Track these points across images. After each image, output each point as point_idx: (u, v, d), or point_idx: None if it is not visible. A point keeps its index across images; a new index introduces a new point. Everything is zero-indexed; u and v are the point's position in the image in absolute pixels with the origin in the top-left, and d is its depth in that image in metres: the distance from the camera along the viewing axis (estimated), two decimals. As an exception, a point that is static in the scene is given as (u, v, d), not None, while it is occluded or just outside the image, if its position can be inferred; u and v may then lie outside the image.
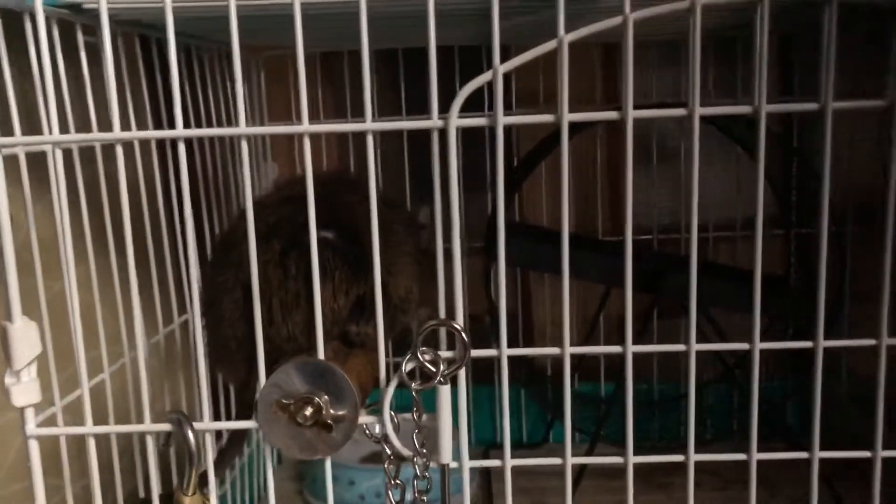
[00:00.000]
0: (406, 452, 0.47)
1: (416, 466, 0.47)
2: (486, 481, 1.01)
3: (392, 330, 0.52)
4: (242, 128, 0.44)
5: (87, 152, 0.58)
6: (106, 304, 0.57)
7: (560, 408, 1.10)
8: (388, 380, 0.47)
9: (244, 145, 0.44)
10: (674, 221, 1.11)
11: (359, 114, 1.00)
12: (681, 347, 0.47)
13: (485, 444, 1.11)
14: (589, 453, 0.93)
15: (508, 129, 1.11)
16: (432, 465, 0.48)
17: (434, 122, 0.44)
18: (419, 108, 0.43)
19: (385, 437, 0.47)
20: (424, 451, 0.47)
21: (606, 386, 1.10)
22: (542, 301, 1.15)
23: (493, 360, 1.12)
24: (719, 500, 0.94)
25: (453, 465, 0.48)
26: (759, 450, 1.07)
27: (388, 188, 0.97)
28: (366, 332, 0.52)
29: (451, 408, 0.46)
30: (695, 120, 0.44)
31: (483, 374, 1.14)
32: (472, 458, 1.11)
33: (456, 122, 0.44)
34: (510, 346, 1.06)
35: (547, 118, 0.44)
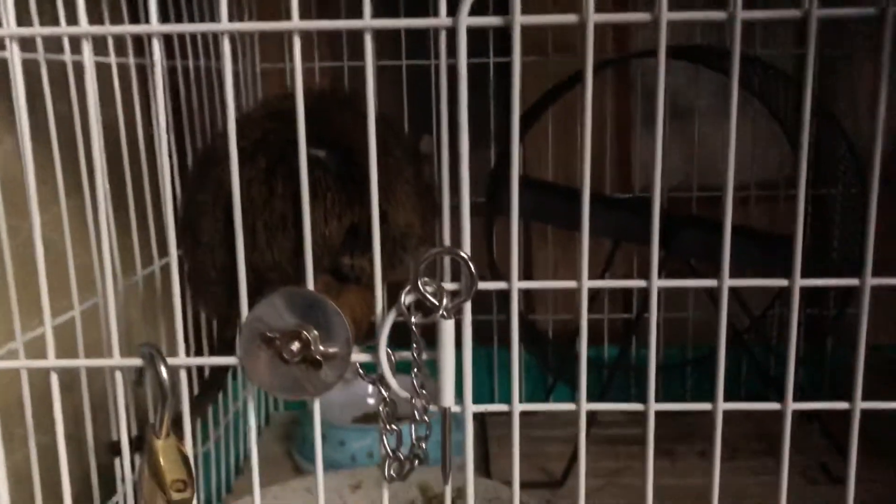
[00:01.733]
0: (403, 394, 0.42)
1: (415, 409, 0.42)
2: (483, 445, 0.97)
3: (391, 267, 0.47)
4: (224, 24, 0.39)
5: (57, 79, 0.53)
6: (79, 240, 0.53)
7: (562, 370, 1.06)
8: (385, 313, 0.42)
9: (226, 43, 0.39)
10: (685, 181, 1.07)
11: (356, 55, 0.95)
12: (711, 283, 0.42)
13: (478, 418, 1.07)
14: (592, 417, 0.89)
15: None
16: (432, 408, 0.43)
17: (442, 20, 0.39)
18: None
19: (380, 377, 0.42)
20: (424, 392, 0.42)
21: (610, 349, 1.06)
22: (545, 265, 1.10)
23: (491, 321, 1.07)
24: (727, 469, 0.90)
25: (455, 408, 0.44)
26: (767, 418, 1.04)
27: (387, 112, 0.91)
28: (361, 265, 0.47)
29: (454, 346, 0.41)
30: (737, 24, 0.39)
31: (481, 335, 1.09)
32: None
33: (466, 20, 0.39)
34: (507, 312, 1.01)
35: (570, 19, 0.39)
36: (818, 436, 0.91)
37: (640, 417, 1.06)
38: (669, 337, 1.06)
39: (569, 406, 0.45)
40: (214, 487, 0.82)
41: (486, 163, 1.02)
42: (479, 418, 1.04)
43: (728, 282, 0.42)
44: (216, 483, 0.82)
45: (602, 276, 1.02)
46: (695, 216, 1.00)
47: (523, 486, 0.84)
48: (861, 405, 0.42)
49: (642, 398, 1.02)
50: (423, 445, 0.44)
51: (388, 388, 0.43)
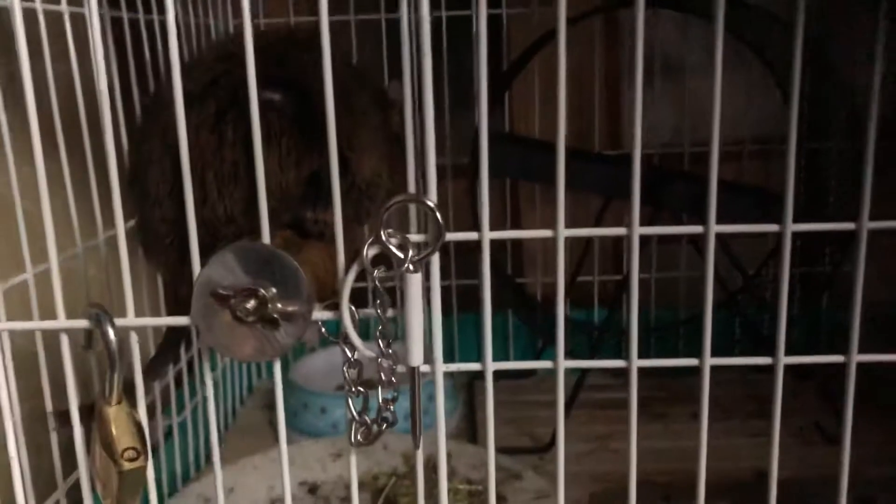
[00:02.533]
0: (368, 354, 0.40)
1: (381, 370, 0.40)
2: (471, 411, 0.95)
3: (357, 221, 0.44)
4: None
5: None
6: (27, 196, 0.49)
7: (551, 333, 1.03)
8: (347, 267, 0.39)
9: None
10: (675, 139, 1.03)
11: (338, 10, 0.91)
12: (697, 229, 0.39)
13: (469, 373, 1.04)
14: (580, 381, 0.87)
15: (498, 30, 1.02)
16: (400, 368, 0.40)
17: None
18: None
19: (344, 337, 0.39)
20: (391, 351, 0.39)
21: (600, 312, 1.03)
22: (533, 226, 1.07)
23: (476, 287, 1.04)
24: (719, 430, 0.88)
25: (424, 368, 0.41)
26: (760, 379, 1.01)
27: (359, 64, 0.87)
28: (324, 219, 0.44)
29: (421, 301, 0.38)
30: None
31: (468, 301, 1.07)
32: (457, 388, 1.04)
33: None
34: (499, 274, 0.98)
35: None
36: (813, 395, 0.88)
37: (623, 383, 1.03)
38: (661, 297, 1.03)
39: (547, 364, 0.42)
40: (192, 458, 0.80)
41: (470, 122, 0.98)
42: (468, 384, 1.02)
43: (715, 228, 0.39)
44: (194, 453, 0.80)
45: (590, 236, 0.99)
46: (686, 172, 0.97)
47: (510, 451, 0.82)
48: (857, 358, 0.39)
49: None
50: (391, 408, 0.41)
51: (352, 348, 0.40)
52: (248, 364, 1.02)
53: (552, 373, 1.08)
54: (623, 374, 1.00)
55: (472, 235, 0.40)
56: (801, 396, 0.90)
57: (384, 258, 0.39)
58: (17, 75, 0.39)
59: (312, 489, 0.76)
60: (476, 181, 0.94)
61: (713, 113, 0.38)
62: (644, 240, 1.01)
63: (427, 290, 0.39)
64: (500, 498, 0.72)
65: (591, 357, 0.94)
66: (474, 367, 0.42)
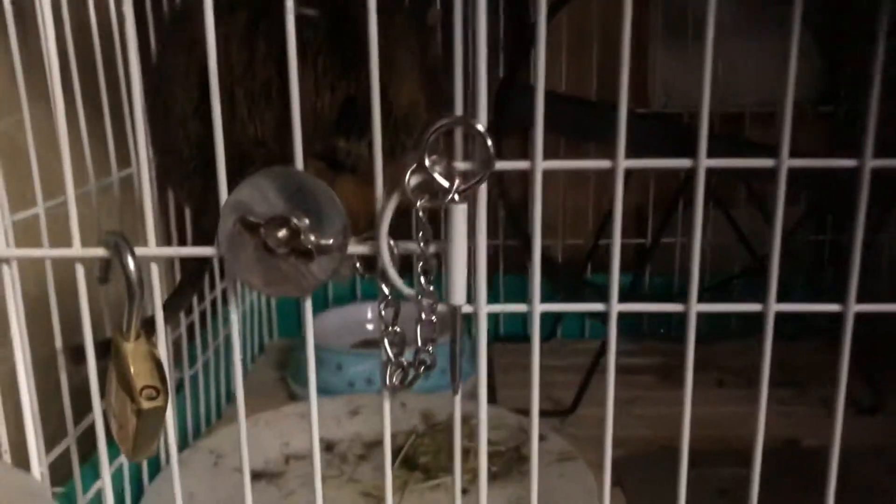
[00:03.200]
0: (407, 291, 0.37)
1: (421, 307, 0.37)
2: (489, 374, 0.92)
3: (392, 154, 0.41)
4: None
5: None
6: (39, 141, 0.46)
7: (574, 297, 1.01)
8: (387, 198, 0.36)
9: None
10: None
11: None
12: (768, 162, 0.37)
13: (488, 336, 1.02)
14: (603, 346, 0.84)
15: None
16: (440, 307, 0.37)
17: None
18: None
19: (381, 272, 0.37)
20: (431, 288, 0.37)
21: (624, 277, 1.00)
22: (555, 189, 1.04)
23: (497, 246, 1.01)
24: (744, 399, 0.86)
25: (467, 308, 0.38)
26: (788, 348, 0.98)
27: None
28: (357, 151, 0.41)
29: (465, 235, 0.36)
30: None
31: (488, 262, 1.03)
32: (469, 359, 1.01)
33: None
34: (521, 236, 0.95)
35: None
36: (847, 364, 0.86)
37: (654, 347, 1.00)
38: (686, 263, 1.00)
39: (598, 307, 0.40)
40: (203, 413, 0.78)
41: (494, 76, 0.95)
42: (488, 346, 0.99)
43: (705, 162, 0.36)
44: (205, 408, 0.78)
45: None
46: (717, 133, 0.93)
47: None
48: (855, 308, 0.37)
49: (658, 327, 0.96)
50: (430, 349, 0.38)
51: (389, 284, 0.37)
52: (259, 323, 0.99)
53: (572, 336, 1.05)
54: (645, 338, 0.97)
55: (524, 164, 0.37)
56: (834, 367, 0.87)
57: (426, 188, 0.36)
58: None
59: (328, 447, 0.73)
60: (500, 137, 0.91)
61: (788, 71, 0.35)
62: (670, 203, 0.98)
63: (472, 224, 0.36)
64: (523, 458, 0.70)
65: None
66: (520, 308, 0.40)
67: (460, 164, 0.35)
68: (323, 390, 0.85)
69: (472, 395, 0.93)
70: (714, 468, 0.73)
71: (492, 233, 1.00)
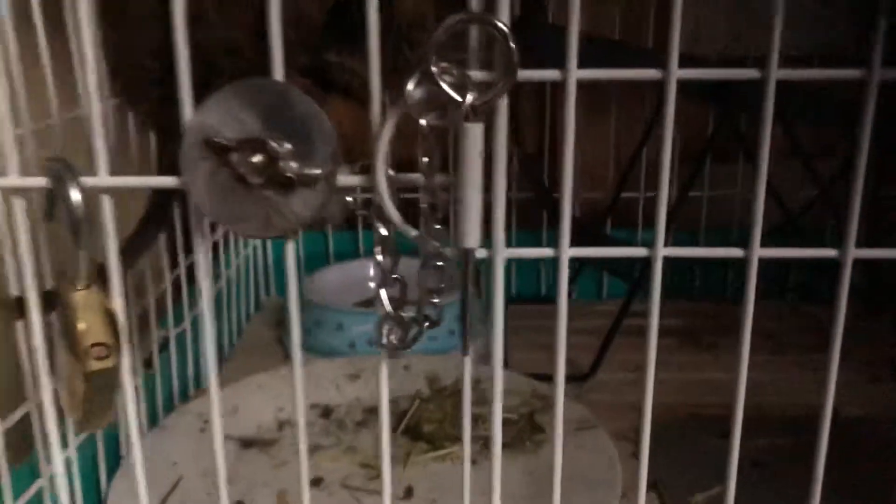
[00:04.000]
0: (410, 231, 0.30)
1: (425, 250, 0.30)
2: (503, 337, 0.86)
3: (393, 70, 0.34)
4: None
5: None
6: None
7: (595, 258, 0.95)
8: (385, 117, 0.29)
9: None
10: (733, 44, 0.93)
11: None
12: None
13: (508, 300, 0.96)
14: (627, 305, 0.77)
15: None
16: (448, 251, 0.31)
17: None
18: None
19: (377, 208, 0.30)
20: (438, 227, 0.30)
21: (645, 233, 0.94)
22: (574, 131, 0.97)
23: (510, 200, 0.94)
24: (774, 364, 0.80)
25: (481, 252, 0.32)
26: (817, 311, 0.92)
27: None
28: (351, 66, 0.34)
29: (481, 163, 0.29)
30: None
31: (519, 218, 0.98)
32: (481, 318, 0.94)
33: None
34: (537, 188, 0.88)
35: None
36: (888, 330, 0.79)
37: (675, 308, 0.94)
38: (713, 218, 0.94)
39: (641, 251, 0.33)
40: (192, 374, 0.72)
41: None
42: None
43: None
44: (194, 369, 0.72)
45: (640, 150, 0.89)
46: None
47: (547, 378, 0.74)
48: (854, 253, 0.31)
49: (678, 288, 0.89)
50: (436, 301, 0.32)
51: (387, 222, 0.30)
52: (255, 278, 0.93)
53: (590, 298, 0.98)
54: (668, 300, 0.90)
55: (555, 74, 0.30)
56: (872, 330, 0.81)
57: (433, 103, 0.29)
58: None
59: (326, 412, 0.68)
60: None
61: None
62: (696, 154, 0.90)
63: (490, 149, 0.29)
64: (537, 428, 0.64)
65: (635, 285, 0.85)
66: (546, 252, 0.33)
67: (476, 73, 0.29)
68: (322, 352, 0.79)
69: (482, 358, 0.87)
70: (746, 438, 0.67)
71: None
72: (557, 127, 0.99)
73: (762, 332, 0.87)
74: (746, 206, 0.92)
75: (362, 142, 0.31)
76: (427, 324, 0.32)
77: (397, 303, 0.32)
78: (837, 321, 0.32)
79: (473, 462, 0.62)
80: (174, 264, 0.68)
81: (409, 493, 0.58)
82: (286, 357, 0.80)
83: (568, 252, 0.32)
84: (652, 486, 0.60)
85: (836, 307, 0.31)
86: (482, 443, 0.63)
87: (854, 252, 0.31)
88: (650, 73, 0.31)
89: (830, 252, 0.32)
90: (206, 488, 0.57)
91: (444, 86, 0.28)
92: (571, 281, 0.96)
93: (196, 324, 0.73)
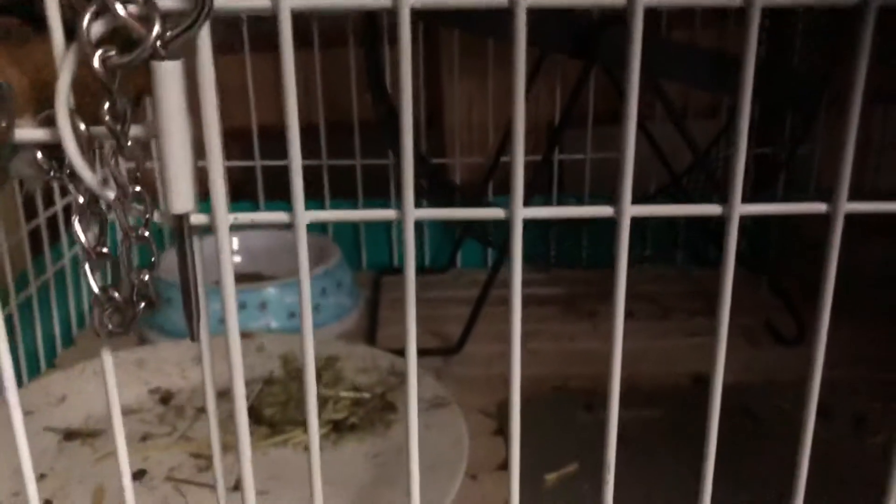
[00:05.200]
0: (106, 194, 0.25)
1: (120, 219, 0.26)
2: (374, 308, 0.82)
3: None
4: None
5: None
6: None
7: (470, 224, 0.90)
8: (63, 58, 0.24)
9: None
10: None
11: None
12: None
13: (378, 268, 0.91)
14: (492, 278, 0.73)
15: None
16: (157, 218, 0.26)
17: None
18: None
19: (67, 168, 0.25)
20: (139, 189, 0.25)
21: (536, 199, 0.90)
22: (454, 103, 0.93)
23: (388, 166, 0.90)
24: (658, 331, 0.77)
25: (199, 218, 0.27)
26: (704, 274, 0.90)
27: None
28: None
29: (182, 106, 0.24)
30: None
31: (377, 186, 0.93)
32: (359, 285, 0.90)
33: None
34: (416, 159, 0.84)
35: None
36: (766, 293, 0.77)
37: (558, 277, 0.91)
38: (596, 184, 0.91)
39: (607, 210, 0.29)
40: (25, 361, 0.66)
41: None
42: (375, 280, 0.88)
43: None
44: (27, 355, 0.66)
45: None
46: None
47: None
48: (741, 209, 0.27)
49: (565, 256, 0.86)
50: (146, 278, 0.27)
51: (79, 183, 0.25)
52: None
53: (471, 267, 0.94)
54: (546, 269, 0.86)
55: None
56: (751, 293, 0.79)
57: (121, 41, 0.24)
58: None
59: (165, 398, 0.63)
60: (377, 46, 0.78)
61: None
62: (577, 121, 0.86)
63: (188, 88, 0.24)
64: (389, 407, 0.60)
65: (502, 252, 0.82)
66: (496, 214, 0.28)
67: (164, 2, 0.24)
68: (172, 333, 0.74)
69: (349, 332, 0.82)
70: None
71: (380, 152, 0.89)
72: (441, 95, 0.94)
73: (646, 297, 0.84)
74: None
75: (42, 87, 0.26)
76: (143, 304, 0.27)
77: (113, 279, 0.27)
78: (725, 281, 0.28)
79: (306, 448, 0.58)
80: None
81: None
82: (139, 341, 0.74)
83: (520, 213, 0.28)
84: (504, 465, 0.57)
85: (724, 266, 0.27)
86: (331, 426, 0.59)
87: (740, 208, 0.27)
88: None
89: (716, 209, 0.28)
90: (15, 487, 0.52)
91: (122, 13, 0.23)
92: (455, 249, 0.92)
93: (45, 303, 0.67)
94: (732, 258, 0.28)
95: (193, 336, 0.29)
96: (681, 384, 0.67)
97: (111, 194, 0.25)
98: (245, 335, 0.69)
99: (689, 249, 0.92)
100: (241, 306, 0.71)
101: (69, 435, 0.58)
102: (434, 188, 0.88)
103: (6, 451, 0.55)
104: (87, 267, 0.27)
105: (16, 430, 0.31)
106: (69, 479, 0.54)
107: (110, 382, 0.30)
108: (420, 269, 0.92)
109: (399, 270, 0.91)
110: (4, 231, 0.63)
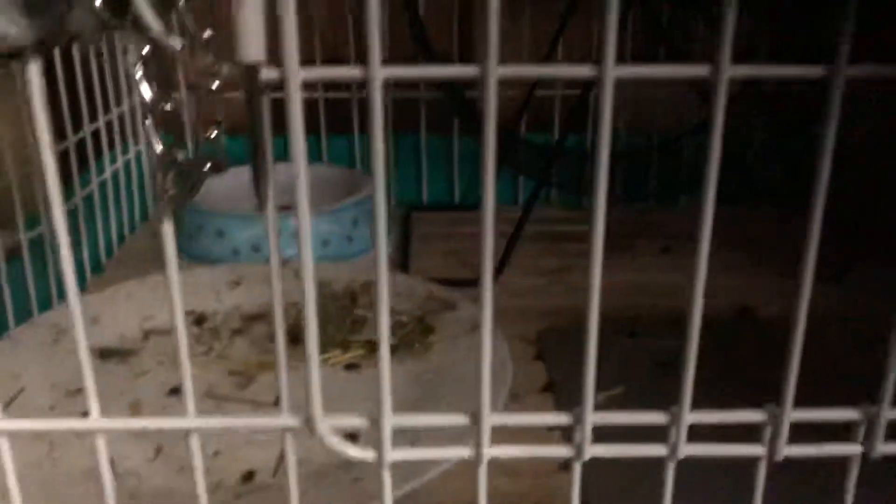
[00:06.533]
0: (176, 42, 0.24)
1: (188, 70, 0.24)
2: (405, 242, 0.80)
3: None
4: None
5: None
6: None
7: (506, 159, 0.89)
8: None
9: None
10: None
11: None
12: None
13: (407, 204, 0.90)
14: (527, 213, 0.72)
15: None
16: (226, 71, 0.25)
17: None
18: None
19: (130, 16, 0.24)
20: (210, 34, 0.24)
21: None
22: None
23: (418, 100, 0.88)
24: (688, 267, 0.75)
25: (269, 73, 0.25)
26: (746, 214, 0.88)
27: None
28: None
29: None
30: None
31: (407, 119, 0.91)
32: (392, 219, 0.89)
33: None
34: (443, 85, 0.82)
35: None
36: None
37: (583, 216, 0.89)
38: (635, 121, 0.89)
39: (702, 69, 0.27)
40: (55, 284, 0.65)
41: None
42: (405, 216, 0.87)
43: None
44: (55, 278, 0.65)
45: (553, 46, 0.83)
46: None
47: (447, 282, 0.69)
48: (729, 71, 0.25)
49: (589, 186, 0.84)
50: (213, 135, 0.26)
51: (140, 28, 0.24)
52: (142, 189, 0.86)
53: (503, 202, 0.91)
54: (580, 207, 0.84)
55: None
56: (793, 229, 0.77)
57: None
58: None
59: (199, 320, 0.62)
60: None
61: None
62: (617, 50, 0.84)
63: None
64: (428, 330, 0.59)
65: (546, 182, 0.80)
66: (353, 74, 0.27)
67: None
68: (203, 258, 0.73)
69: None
70: (655, 339, 0.64)
71: (410, 85, 0.87)
72: (465, 24, 0.92)
73: (680, 235, 0.83)
74: (668, 107, 0.88)
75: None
76: (208, 167, 0.26)
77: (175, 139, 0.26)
78: (712, 159, 0.26)
79: (357, 367, 0.58)
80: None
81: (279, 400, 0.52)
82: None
83: (381, 73, 0.26)
84: (547, 387, 0.56)
85: (713, 127, 0.25)
86: (369, 347, 0.58)
87: (730, 69, 0.25)
88: None
89: (703, 70, 0.26)
90: (51, 401, 0.52)
91: None
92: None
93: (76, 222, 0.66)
94: (720, 123, 0.26)
95: (262, 204, 0.27)
96: (724, 316, 0.66)
97: (178, 41, 0.24)
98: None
99: (726, 187, 0.90)
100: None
101: (104, 354, 0.57)
102: (466, 121, 0.86)
103: (44, 367, 0.55)
104: (149, 124, 0.25)
105: (78, 339, 0.30)
106: (105, 394, 0.52)
107: (170, 251, 0.28)
108: (450, 206, 0.91)
109: (429, 208, 0.90)
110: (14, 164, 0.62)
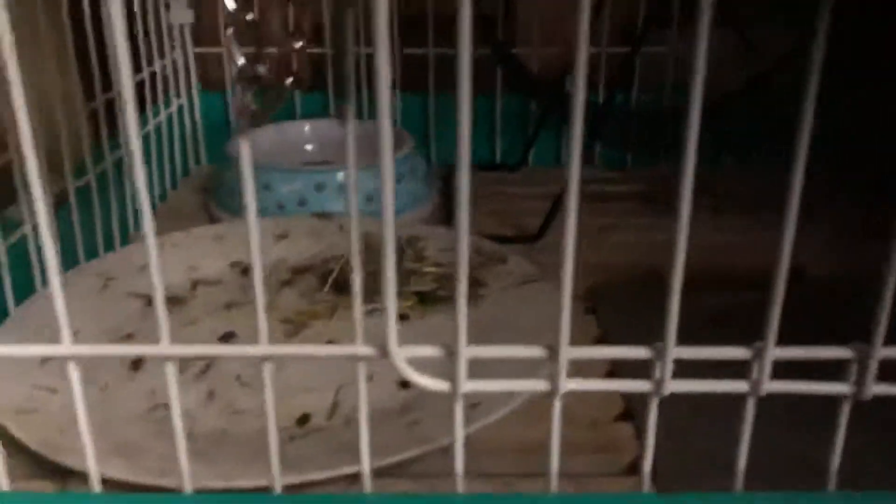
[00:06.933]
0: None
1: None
2: (447, 201, 0.80)
3: None
4: None
5: None
6: None
7: (550, 110, 0.87)
8: None
9: None
10: None
11: None
12: None
13: (448, 165, 0.89)
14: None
15: None
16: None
17: None
18: None
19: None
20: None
21: (606, 93, 0.86)
22: (528, 12, 0.89)
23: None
24: (742, 226, 0.74)
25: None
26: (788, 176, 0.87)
27: None
28: None
29: None
30: None
31: (450, 78, 0.89)
32: (433, 177, 0.89)
33: None
34: (487, 41, 0.80)
35: None
36: (864, 190, 0.74)
37: (638, 175, 0.88)
38: (644, 80, 0.87)
39: None
40: (102, 235, 0.65)
41: None
42: (445, 175, 0.86)
43: None
44: (104, 230, 0.65)
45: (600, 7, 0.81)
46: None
47: (496, 239, 0.68)
48: None
49: (636, 145, 0.83)
50: (298, 45, 0.25)
51: (227, -68, 0.23)
52: (182, 144, 0.85)
53: (545, 165, 0.91)
54: (623, 167, 0.83)
55: None
56: (848, 190, 0.75)
57: None
58: None
59: (247, 270, 0.61)
60: None
61: None
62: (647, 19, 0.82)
63: None
64: (478, 282, 0.58)
65: (592, 141, 0.79)
66: None
67: None
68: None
69: (427, 221, 0.80)
70: (705, 295, 0.63)
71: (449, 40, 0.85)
72: (515, 4, 0.90)
73: (729, 195, 0.81)
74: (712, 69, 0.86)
75: None
76: (290, 81, 0.25)
77: (253, 56, 0.25)
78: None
79: (406, 317, 0.57)
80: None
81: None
82: (210, 222, 0.73)
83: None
84: (598, 340, 0.55)
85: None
86: (417, 298, 0.58)
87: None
88: None
89: None
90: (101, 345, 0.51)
91: None
92: (527, 147, 0.90)
93: (104, 178, 0.66)
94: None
95: (345, 96, 0.26)
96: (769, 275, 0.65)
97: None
98: (324, 216, 0.67)
99: (772, 151, 0.88)
100: (320, 188, 0.70)
101: (152, 302, 0.57)
102: (512, 77, 0.85)
103: (92, 314, 0.55)
104: (230, 34, 0.24)
105: (150, 261, 0.29)
106: (156, 340, 0.53)
107: (246, 172, 0.28)
108: (490, 165, 0.90)
109: (474, 167, 0.89)
110: (65, 114, 0.61)
